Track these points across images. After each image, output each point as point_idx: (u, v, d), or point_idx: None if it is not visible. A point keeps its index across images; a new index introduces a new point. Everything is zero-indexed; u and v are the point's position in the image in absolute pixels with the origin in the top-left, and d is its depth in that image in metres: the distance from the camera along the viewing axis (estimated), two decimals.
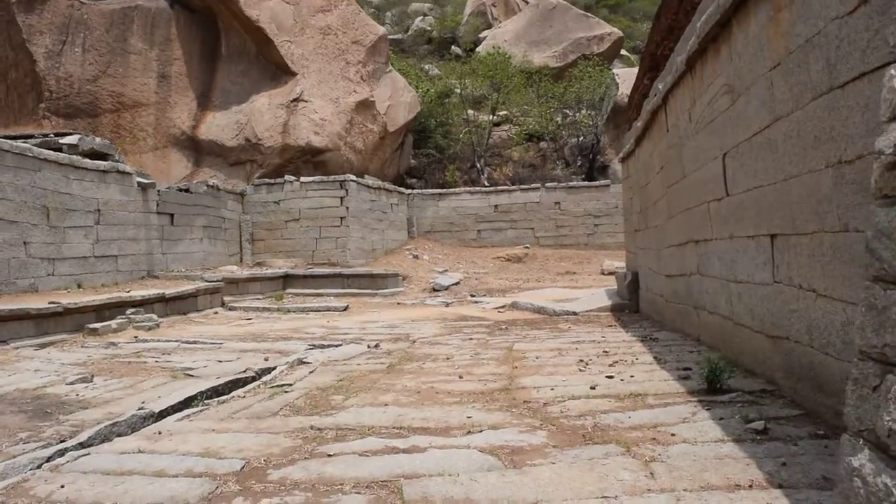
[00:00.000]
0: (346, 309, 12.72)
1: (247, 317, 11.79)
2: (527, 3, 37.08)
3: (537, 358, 5.73)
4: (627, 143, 10.03)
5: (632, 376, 4.68)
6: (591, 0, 39.57)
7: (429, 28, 38.86)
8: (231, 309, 13.02)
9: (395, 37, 37.87)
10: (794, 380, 3.71)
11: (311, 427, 3.70)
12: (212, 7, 19.00)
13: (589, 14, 32.96)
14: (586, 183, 21.50)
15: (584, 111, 24.48)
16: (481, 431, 3.45)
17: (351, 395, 4.61)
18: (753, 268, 4.32)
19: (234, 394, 5.18)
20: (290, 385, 5.25)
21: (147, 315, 10.10)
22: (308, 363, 6.26)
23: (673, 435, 3.24)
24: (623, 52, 33.55)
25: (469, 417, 3.76)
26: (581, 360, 5.45)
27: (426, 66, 33.70)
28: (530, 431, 3.42)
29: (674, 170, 6.50)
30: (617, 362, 5.30)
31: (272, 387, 5.28)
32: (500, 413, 3.87)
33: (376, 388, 4.85)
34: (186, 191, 15.53)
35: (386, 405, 4.21)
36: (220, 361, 6.61)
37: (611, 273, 17.12)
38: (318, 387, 5.04)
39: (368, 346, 7.22)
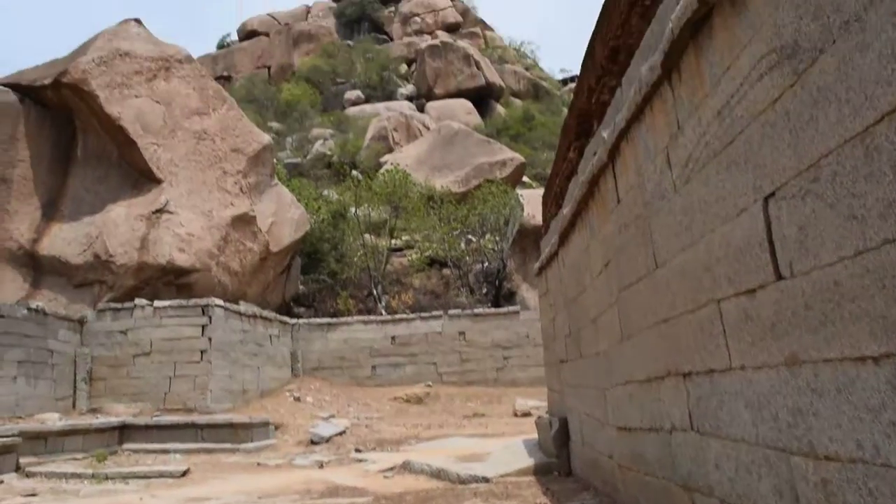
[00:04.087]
0: (184, 474, 9.54)
1: (33, 491, 8.44)
2: (428, 128, 36.32)
3: None
4: (546, 248, 7.80)
5: None
6: (492, 129, 39.28)
7: (328, 152, 37.31)
8: (29, 475, 9.66)
9: (294, 161, 36.24)
10: None
11: None
12: (69, 104, 16.41)
13: (491, 140, 32.24)
14: (493, 310, 19.29)
15: (488, 235, 22.74)
16: None
17: None
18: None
19: None
20: None
21: None
22: None
23: None
24: (525, 178, 32.68)
25: None
26: None
27: (325, 192, 31.70)
28: None
29: (633, 260, 4.17)
30: None
31: None
32: None
33: None
34: None
35: None
36: None
37: (525, 414, 14.60)
38: None
39: None
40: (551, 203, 7.63)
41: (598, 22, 4.95)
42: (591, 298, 5.60)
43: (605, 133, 4.29)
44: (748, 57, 2.62)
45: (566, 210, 6.04)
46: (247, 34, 55.66)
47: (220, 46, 58.02)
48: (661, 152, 3.52)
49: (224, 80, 48.65)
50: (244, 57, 53.46)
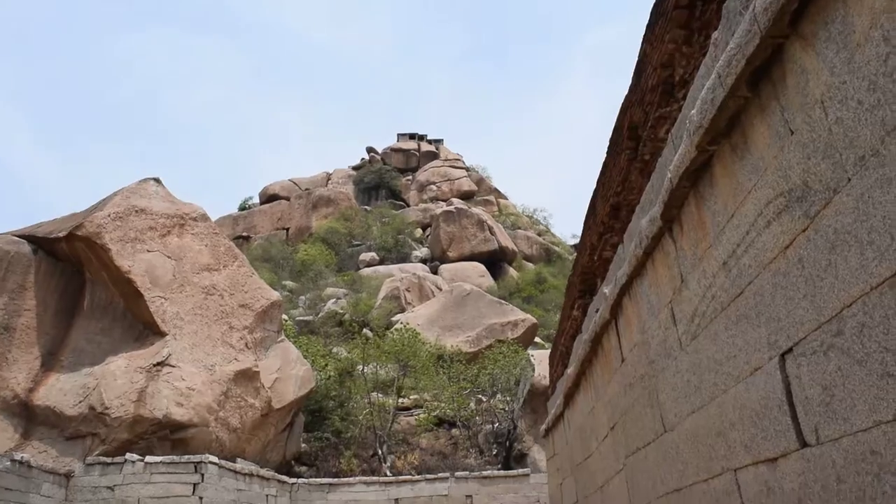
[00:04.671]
0: None
1: None
2: (441, 289, 36.55)
3: None
4: (552, 409, 7.40)
5: None
6: (504, 291, 39.52)
7: (341, 310, 37.38)
8: None
9: (306, 318, 36.28)
10: None
11: None
12: (80, 256, 16.63)
13: (503, 301, 32.35)
14: (503, 472, 18.49)
15: (498, 395, 22.17)
16: None
17: None
18: None
19: None
20: None
21: None
22: None
23: None
24: (537, 339, 32.43)
25: None
26: None
27: (334, 349, 31.45)
28: None
29: (639, 423, 3.84)
30: None
31: None
32: None
33: None
34: None
35: None
36: None
37: None
38: None
39: None
40: (557, 363, 7.33)
41: (599, 180, 4.93)
42: (597, 463, 5.18)
43: (607, 289, 4.10)
44: (753, 203, 2.47)
45: (570, 370, 5.75)
46: (268, 197, 57.81)
47: (242, 208, 60.08)
48: (665, 307, 3.30)
49: (243, 239, 50.01)
50: (264, 218, 55.21)
